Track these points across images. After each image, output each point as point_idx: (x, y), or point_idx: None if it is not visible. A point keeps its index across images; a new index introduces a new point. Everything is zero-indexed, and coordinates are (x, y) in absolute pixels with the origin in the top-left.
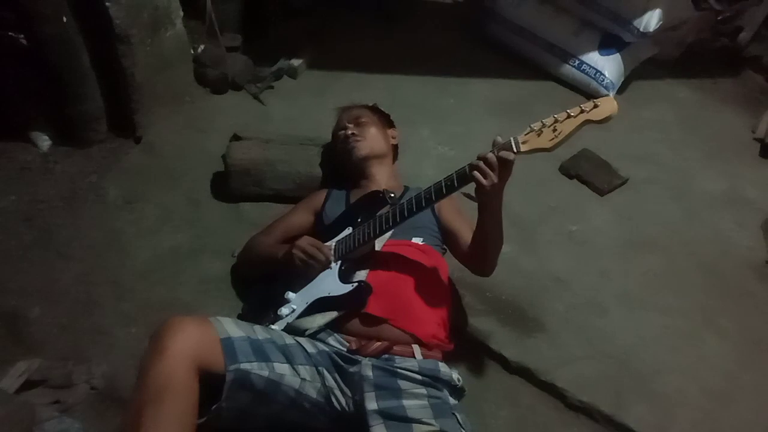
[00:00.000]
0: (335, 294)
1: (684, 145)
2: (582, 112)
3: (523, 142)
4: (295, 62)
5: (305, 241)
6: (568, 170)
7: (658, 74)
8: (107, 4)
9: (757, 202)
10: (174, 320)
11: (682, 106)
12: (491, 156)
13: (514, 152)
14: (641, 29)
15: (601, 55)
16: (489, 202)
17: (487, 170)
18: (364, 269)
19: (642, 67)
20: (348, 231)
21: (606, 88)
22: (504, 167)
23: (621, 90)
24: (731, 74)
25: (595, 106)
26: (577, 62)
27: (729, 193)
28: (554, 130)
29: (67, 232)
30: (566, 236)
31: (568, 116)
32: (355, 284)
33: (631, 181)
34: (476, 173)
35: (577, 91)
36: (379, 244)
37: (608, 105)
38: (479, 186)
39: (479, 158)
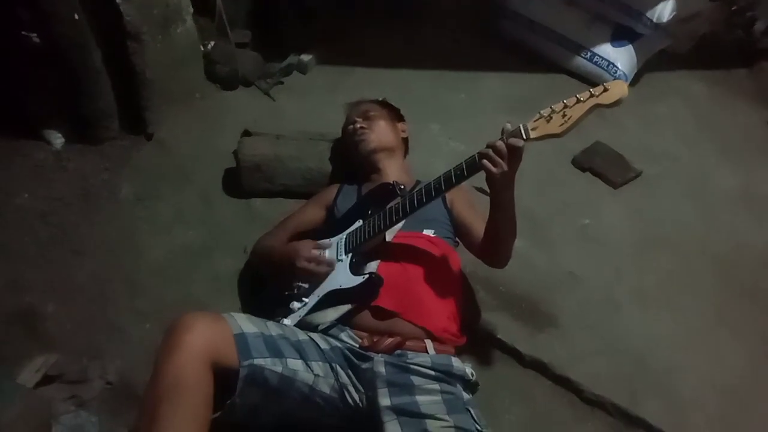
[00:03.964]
0: (347, 286)
1: (698, 139)
2: (591, 96)
3: (533, 129)
4: (305, 58)
5: (303, 260)
6: (580, 163)
7: (672, 66)
8: (118, 1)
9: None
10: (188, 316)
11: (695, 100)
12: (500, 144)
13: (523, 139)
14: (654, 20)
15: (614, 46)
16: (500, 192)
17: (497, 158)
18: (374, 261)
19: (655, 59)
20: (359, 223)
21: (619, 79)
22: (513, 155)
23: (634, 82)
24: (746, 66)
25: (605, 90)
26: (589, 54)
27: (744, 189)
28: (564, 115)
29: (81, 230)
30: (579, 230)
31: (578, 101)
32: (366, 276)
33: (644, 176)
34: (485, 161)
35: (589, 84)
36: (389, 236)
37: (618, 88)
38: (489, 174)
39: (488, 146)
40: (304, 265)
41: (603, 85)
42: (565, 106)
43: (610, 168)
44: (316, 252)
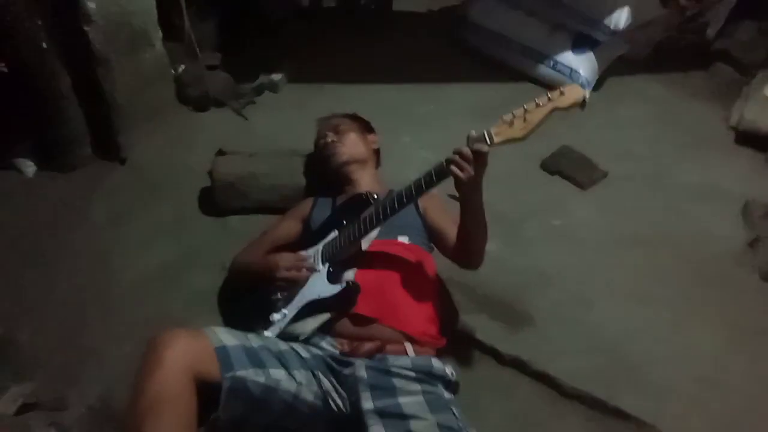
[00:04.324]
0: (325, 295)
1: (659, 139)
2: (549, 100)
3: (496, 134)
4: (276, 77)
5: (283, 269)
6: (549, 167)
7: (632, 71)
8: (85, 28)
9: (733, 190)
10: (167, 333)
11: (655, 102)
12: (466, 149)
13: (488, 144)
14: (612, 27)
15: (575, 54)
16: (468, 196)
17: (463, 163)
18: (351, 269)
19: (615, 64)
20: (334, 234)
21: (582, 85)
22: (479, 159)
23: (596, 87)
24: (701, 68)
25: (562, 94)
26: (552, 62)
27: (705, 184)
28: (524, 119)
29: (54, 256)
30: (550, 231)
31: (537, 105)
32: (344, 284)
33: (610, 176)
34: (453, 167)
35: None
36: (365, 245)
37: (574, 92)
38: (457, 179)
39: (455, 152)
40: (284, 274)
41: (560, 89)
42: (526, 111)
43: (578, 170)
44: (294, 259)
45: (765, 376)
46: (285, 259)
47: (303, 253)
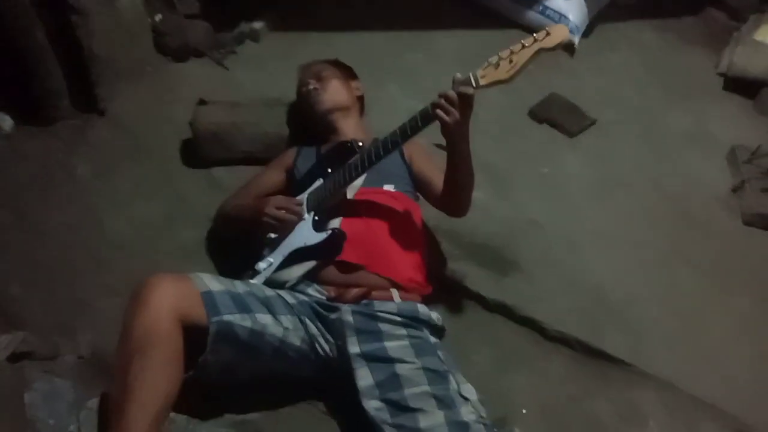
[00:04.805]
0: (310, 243)
1: (649, 85)
2: (535, 41)
3: (482, 77)
4: (257, 25)
5: (272, 206)
6: (537, 115)
7: (623, 17)
8: None
9: (721, 135)
10: (153, 277)
11: (646, 47)
12: (451, 93)
13: (473, 86)
14: None
15: None
16: (455, 141)
17: (449, 107)
18: (336, 218)
19: (606, 10)
20: (319, 182)
21: (571, 31)
22: (465, 103)
23: (586, 33)
24: (694, 14)
25: (548, 34)
26: (541, 8)
27: (694, 129)
28: (510, 61)
29: (39, 212)
30: (538, 179)
31: (523, 47)
32: (329, 232)
33: (599, 123)
34: (438, 111)
35: None
36: (350, 193)
37: (559, 32)
38: (443, 124)
39: (440, 96)
40: (273, 212)
41: (546, 29)
42: (512, 53)
43: (566, 118)
44: (286, 200)
45: (742, 313)
46: (276, 199)
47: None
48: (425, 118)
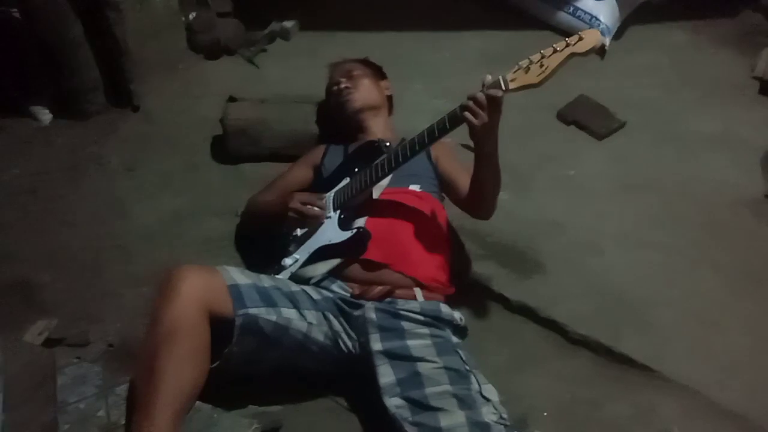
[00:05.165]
0: (336, 241)
1: (680, 87)
2: (567, 45)
3: (512, 80)
4: (288, 24)
5: (297, 201)
6: (565, 116)
7: (656, 18)
8: None
9: (753, 140)
10: (182, 268)
11: (678, 49)
12: (480, 95)
13: (502, 90)
14: None
15: (596, 0)
16: (483, 144)
17: (477, 109)
18: (362, 217)
19: (638, 11)
20: (346, 181)
21: (602, 33)
22: (494, 105)
23: (617, 35)
24: (729, 15)
25: (580, 39)
26: (571, 8)
27: (724, 133)
28: (541, 65)
29: (71, 201)
30: (564, 181)
31: (554, 51)
32: (354, 230)
33: (627, 126)
34: (467, 113)
35: None
36: (376, 193)
37: (592, 36)
38: (471, 126)
39: (469, 98)
40: (298, 206)
41: (578, 34)
42: (543, 57)
43: (594, 120)
44: (310, 196)
45: None
46: (301, 194)
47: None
48: (453, 120)
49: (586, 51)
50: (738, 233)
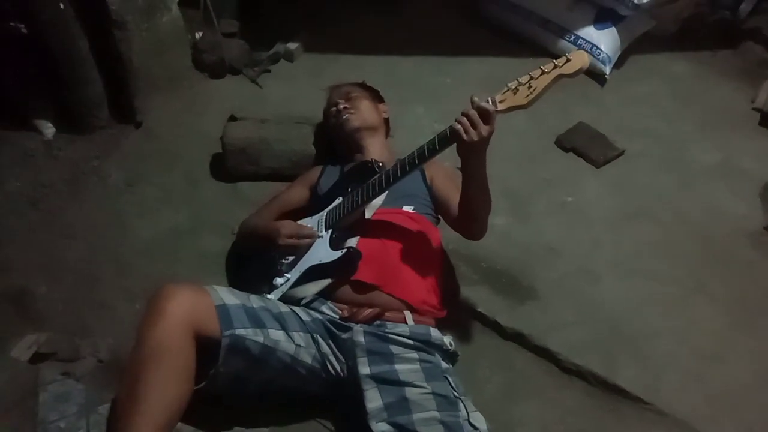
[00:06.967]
0: (326, 261)
1: (680, 117)
2: (555, 67)
3: (501, 101)
4: (292, 46)
5: (283, 237)
6: (563, 143)
7: (657, 48)
8: None
9: (753, 171)
10: (170, 286)
11: (679, 80)
12: (471, 111)
13: (493, 109)
14: (635, 1)
15: (597, 29)
16: (470, 162)
17: (468, 125)
18: (354, 237)
19: (639, 41)
20: (339, 200)
21: (602, 62)
22: (485, 120)
23: (618, 64)
24: (730, 47)
25: (568, 61)
26: (573, 37)
27: (724, 164)
28: (529, 87)
29: (70, 214)
30: (561, 208)
31: (542, 72)
32: (345, 250)
33: (626, 154)
34: (458, 126)
35: None
36: (369, 213)
37: (580, 58)
38: (460, 141)
39: (463, 114)
40: (285, 241)
41: (566, 56)
42: (531, 78)
43: (593, 147)
44: (295, 227)
45: (765, 356)
46: (286, 226)
47: (304, 221)
48: (443, 140)
49: (574, 72)
50: (737, 265)
